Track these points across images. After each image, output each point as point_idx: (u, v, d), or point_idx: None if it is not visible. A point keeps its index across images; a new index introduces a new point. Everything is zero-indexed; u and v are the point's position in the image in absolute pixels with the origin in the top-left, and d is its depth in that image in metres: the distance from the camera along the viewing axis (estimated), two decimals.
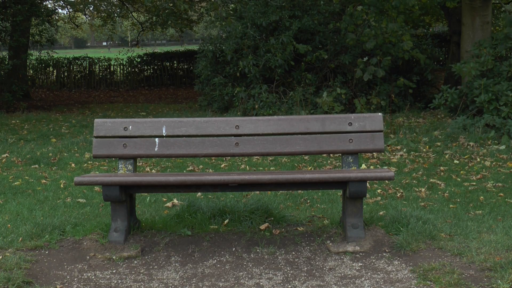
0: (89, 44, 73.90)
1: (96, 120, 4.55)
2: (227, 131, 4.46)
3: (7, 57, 16.53)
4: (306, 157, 8.07)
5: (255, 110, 11.83)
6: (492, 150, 8.12)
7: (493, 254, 3.84)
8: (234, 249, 4.22)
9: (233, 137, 4.49)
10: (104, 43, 71.76)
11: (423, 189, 6.18)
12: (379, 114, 4.47)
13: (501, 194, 5.95)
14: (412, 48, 11.70)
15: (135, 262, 4.04)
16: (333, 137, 4.41)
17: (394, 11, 10.87)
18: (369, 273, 3.75)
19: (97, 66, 24.27)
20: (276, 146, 4.45)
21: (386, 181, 6.45)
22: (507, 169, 7.10)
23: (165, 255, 4.14)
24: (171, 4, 17.08)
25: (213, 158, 8.02)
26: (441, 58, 19.25)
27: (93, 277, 3.79)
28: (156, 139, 4.45)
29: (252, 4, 13.27)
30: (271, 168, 7.46)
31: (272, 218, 4.75)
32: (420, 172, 7.05)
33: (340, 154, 4.76)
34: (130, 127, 4.48)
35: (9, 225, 4.73)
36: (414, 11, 11.47)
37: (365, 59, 11.27)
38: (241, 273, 3.82)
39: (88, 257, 4.09)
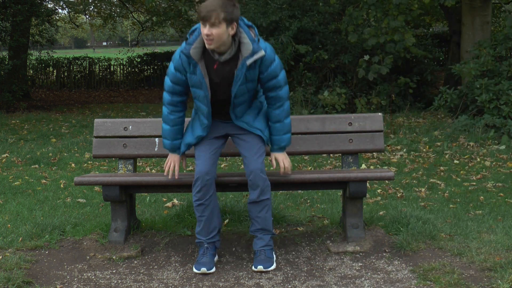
0: (89, 44, 73.88)
1: (96, 120, 4.54)
2: None
3: (7, 57, 16.53)
4: (306, 157, 8.07)
5: None
6: (492, 150, 8.12)
7: (493, 254, 3.84)
8: (234, 249, 4.21)
9: None
10: (104, 43, 71.77)
11: (423, 189, 6.18)
12: (379, 114, 4.47)
13: (501, 194, 5.95)
14: (414, 45, 11.67)
15: (135, 262, 4.04)
16: (333, 137, 4.40)
17: (395, 11, 10.86)
18: (369, 273, 3.75)
19: (97, 66, 24.28)
20: None
21: (386, 181, 6.45)
22: (507, 169, 7.10)
23: (165, 255, 4.14)
24: (171, 5, 17.07)
25: None
26: (441, 58, 19.25)
27: (93, 277, 3.79)
28: (156, 139, 4.44)
29: (252, 4, 13.27)
30: (271, 168, 7.45)
31: (272, 218, 4.75)
32: (420, 172, 7.05)
33: (340, 154, 4.75)
34: (130, 127, 4.47)
35: (9, 225, 4.74)
36: (414, 10, 11.46)
37: (366, 57, 11.24)
38: (241, 273, 3.82)
39: (88, 257, 4.09)
